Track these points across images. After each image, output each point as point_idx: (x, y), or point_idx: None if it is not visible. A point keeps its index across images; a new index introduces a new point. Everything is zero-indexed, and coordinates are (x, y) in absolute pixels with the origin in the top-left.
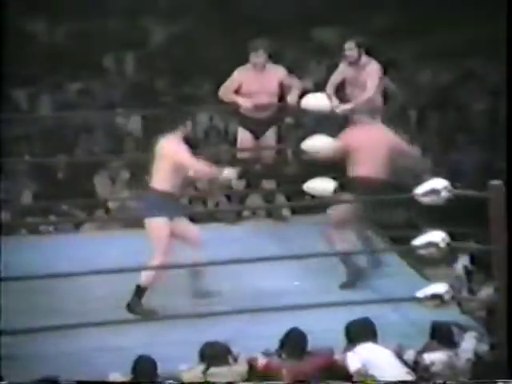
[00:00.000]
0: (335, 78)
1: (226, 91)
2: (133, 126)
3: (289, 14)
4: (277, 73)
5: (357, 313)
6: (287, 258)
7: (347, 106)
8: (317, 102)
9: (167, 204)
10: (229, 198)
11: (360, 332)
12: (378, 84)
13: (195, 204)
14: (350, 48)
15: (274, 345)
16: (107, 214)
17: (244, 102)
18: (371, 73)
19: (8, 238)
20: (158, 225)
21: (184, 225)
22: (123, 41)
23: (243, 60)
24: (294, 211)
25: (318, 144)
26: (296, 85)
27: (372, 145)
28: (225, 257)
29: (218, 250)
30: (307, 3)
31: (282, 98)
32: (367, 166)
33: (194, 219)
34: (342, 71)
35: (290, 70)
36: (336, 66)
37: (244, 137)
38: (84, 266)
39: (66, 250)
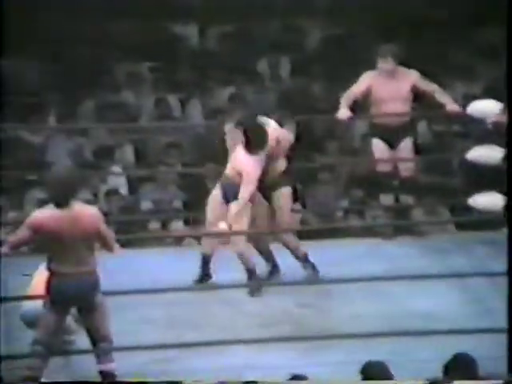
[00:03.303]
0: None
1: (347, 96)
2: None
3: (454, 13)
4: (409, 77)
5: None
6: (440, 276)
7: None
8: (484, 109)
9: None
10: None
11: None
12: None
13: (352, 217)
14: None
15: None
16: None
17: (341, 114)
18: None
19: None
20: None
21: None
22: (278, 44)
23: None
24: (459, 227)
25: (485, 154)
26: (433, 88)
27: None
28: (376, 273)
29: (370, 266)
30: (475, 1)
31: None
32: None
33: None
34: None
35: (456, 73)
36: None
37: (378, 147)
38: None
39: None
